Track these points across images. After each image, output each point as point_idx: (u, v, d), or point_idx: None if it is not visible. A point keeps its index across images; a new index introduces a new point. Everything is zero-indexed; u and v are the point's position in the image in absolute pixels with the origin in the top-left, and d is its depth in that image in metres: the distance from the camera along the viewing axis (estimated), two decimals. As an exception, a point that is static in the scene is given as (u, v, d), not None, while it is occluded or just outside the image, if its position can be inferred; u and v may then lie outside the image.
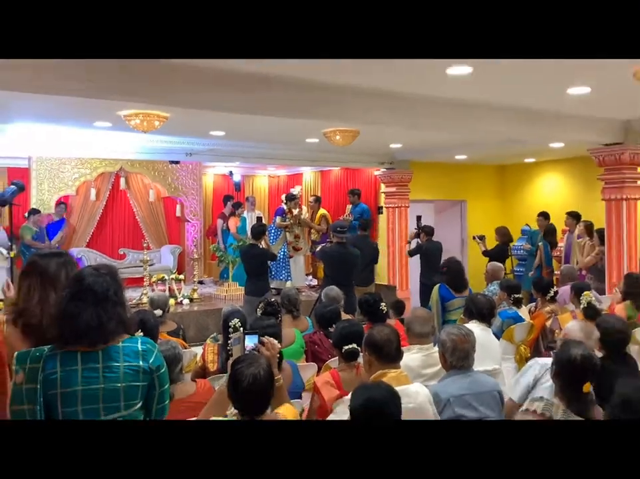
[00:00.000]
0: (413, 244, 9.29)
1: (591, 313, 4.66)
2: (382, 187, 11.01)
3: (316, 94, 5.49)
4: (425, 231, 8.80)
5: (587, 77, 5.32)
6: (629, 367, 3.39)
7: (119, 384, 2.08)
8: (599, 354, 3.46)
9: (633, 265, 7.69)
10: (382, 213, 11.11)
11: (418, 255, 8.87)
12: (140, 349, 2.15)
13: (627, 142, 7.62)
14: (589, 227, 8.66)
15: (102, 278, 2.14)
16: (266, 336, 3.18)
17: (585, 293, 4.96)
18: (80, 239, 10.93)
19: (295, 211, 10.49)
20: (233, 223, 10.70)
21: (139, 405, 2.14)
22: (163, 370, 2.20)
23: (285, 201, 10.66)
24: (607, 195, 7.94)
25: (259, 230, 7.90)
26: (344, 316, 5.17)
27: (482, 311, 4.44)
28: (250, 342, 3.19)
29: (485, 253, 9.26)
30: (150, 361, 2.15)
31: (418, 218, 9.11)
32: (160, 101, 5.01)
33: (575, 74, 5.20)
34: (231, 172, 12.14)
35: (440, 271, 6.54)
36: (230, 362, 2.70)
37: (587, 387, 2.65)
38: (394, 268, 10.72)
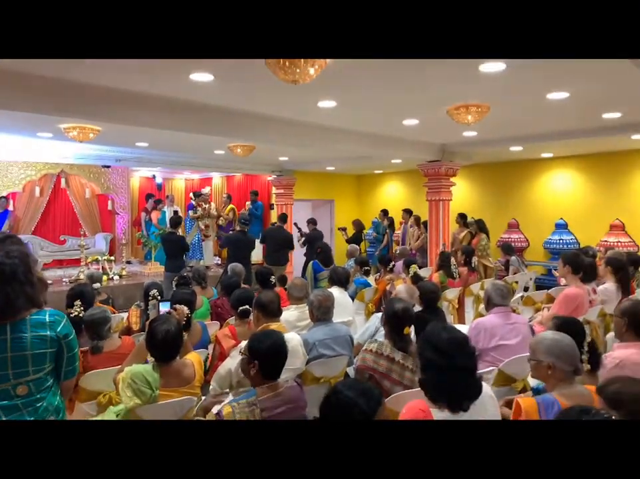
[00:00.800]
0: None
1: (415, 279, 4.92)
2: (274, 189, 10.92)
3: (223, 117, 5.36)
4: (311, 222, 8.79)
5: (415, 113, 5.55)
6: (438, 317, 3.58)
7: (27, 352, 1.88)
8: (419, 308, 3.66)
9: (447, 247, 8.19)
10: (273, 208, 11.02)
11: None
12: (47, 320, 1.94)
13: (443, 159, 8.02)
14: (417, 219, 9.13)
15: (10, 260, 1.89)
16: (177, 304, 3.11)
17: (412, 265, 5.22)
18: (27, 227, 10.00)
19: (206, 206, 10.23)
20: (154, 215, 10.30)
21: (48, 369, 1.95)
22: (71, 337, 2.00)
23: (193, 198, 10.39)
24: (429, 197, 8.38)
25: (177, 221, 7.64)
26: (243, 286, 5.08)
27: (341, 279, 4.55)
28: (164, 307, 3.14)
29: (347, 240, 9.47)
30: (58, 330, 1.95)
31: (295, 224, 8.80)
32: (92, 118, 4.70)
33: (406, 110, 5.41)
34: (154, 175, 11.64)
35: (316, 252, 6.65)
36: (148, 322, 2.63)
37: (407, 330, 2.74)
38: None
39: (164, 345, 2.44)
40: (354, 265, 6.18)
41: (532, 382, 2.80)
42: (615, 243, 7.73)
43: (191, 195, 10.70)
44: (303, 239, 8.58)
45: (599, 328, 4.06)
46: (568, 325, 2.45)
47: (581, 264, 4.12)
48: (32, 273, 1.97)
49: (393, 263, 6.16)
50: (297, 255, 9.52)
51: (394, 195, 11.78)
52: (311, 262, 6.25)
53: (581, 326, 2.53)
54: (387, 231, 9.54)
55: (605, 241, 7.96)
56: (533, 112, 5.30)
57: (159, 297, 3.66)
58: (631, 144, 7.17)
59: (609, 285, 4.42)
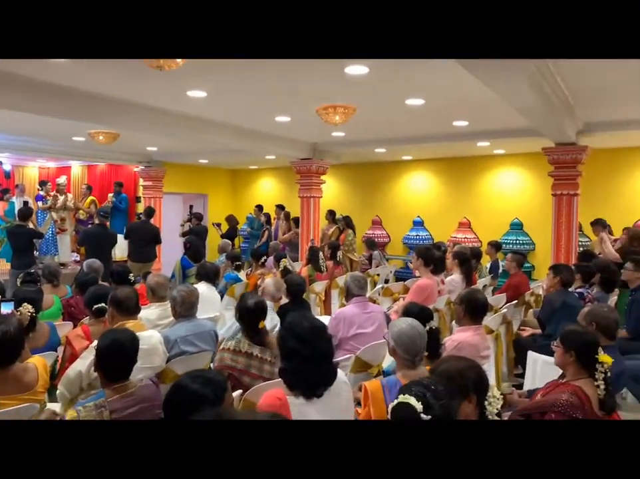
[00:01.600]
0: (186, 227, 8.96)
1: (285, 273, 5.01)
2: (141, 181, 10.37)
3: (85, 101, 4.92)
4: (196, 217, 8.63)
5: (287, 110, 5.59)
6: (303, 308, 3.68)
7: None
8: (286, 299, 3.72)
9: (316, 242, 8.42)
10: (140, 201, 10.47)
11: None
12: None
13: (314, 157, 8.27)
14: (286, 215, 9.30)
15: None
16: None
17: (283, 260, 5.31)
18: None
19: (60, 197, 9.33)
20: (1, 207, 9.13)
21: None
22: None
23: (40, 188, 9.56)
24: (301, 194, 8.56)
25: (26, 213, 6.90)
26: (102, 284, 4.75)
27: (209, 274, 4.48)
28: (5, 308, 2.84)
29: (222, 235, 9.34)
30: None
31: (191, 207, 8.82)
32: None
33: (277, 107, 5.43)
34: (0, 162, 10.31)
35: (185, 247, 6.45)
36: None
37: (262, 324, 2.72)
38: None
39: (2, 346, 2.20)
40: (226, 261, 6.11)
41: (385, 364, 3.00)
42: (462, 239, 8.39)
43: (37, 185, 9.89)
44: (185, 230, 8.35)
45: (446, 315, 4.50)
46: (418, 312, 2.66)
47: (432, 257, 4.50)
48: None
49: (265, 257, 6.20)
50: (165, 247, 9.14)
51: (268, 191, 11.87)
52: (180, 258, 6.04)
53: (429, 313, 2.75)
54: (267, 227, 9.59)
55: (454, 237, 8.63)
56: (394, 115, 5.67)
57: (-1, 297, 3.28)
58: (476, 150, 8.01)
59: (455, 276, 4.93)
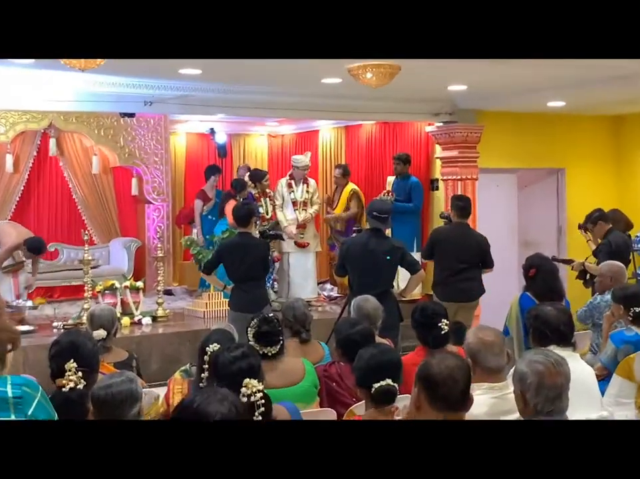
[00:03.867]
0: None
1: None
2: (437, 151, 11.01)
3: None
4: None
5: None
6: None
7: None
8: None
9: None
10: (436, 188, 11.13)
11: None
12: (9, 396, 2.07)
13: None
14: None
15: None
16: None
17: None
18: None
19: (284, 191, 10.60)
20: (230, 207, 10.57)
21: None
22: None
23: (250, 181, 10.75)
24: None
25: (249, 212, 7.99)
26: (380, 340, 5.24)
27: (559, 328, 4.53)
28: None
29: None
30: (29, 413, 2.08)
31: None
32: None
33: None
34: (212, 130, 12.24)
35: (526, 274, 6.54)
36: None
37: None
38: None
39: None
40: (612, 304, 5.97)
41: None
42: None
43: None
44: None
45: None
46: None
47: None
48: None
49: None
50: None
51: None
52: (517, 296, 6.33)
53: None
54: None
55: None
56: None
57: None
58: None
59: None
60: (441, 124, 10.72)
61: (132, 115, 10.59)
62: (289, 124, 13.35)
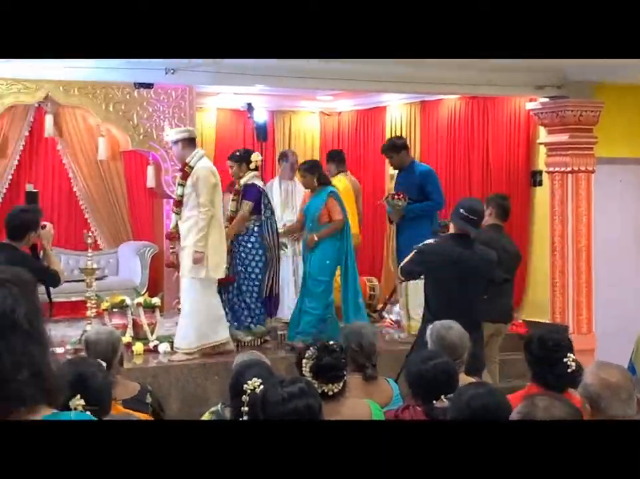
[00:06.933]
0: None
1: None
2: (542, 135, 10.99)
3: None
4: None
5: None
6: None
7: None
8: None
9: None
10: (539, 184, 11.14)
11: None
12: None
13: None
14: None
15: (2, 289, 2.07)
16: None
17: None
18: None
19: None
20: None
21: None
22: None
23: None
24: None
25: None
26: (465, 379, 5.28)
27: None
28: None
29: None
30: None
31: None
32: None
33: None
34: (249, 106, 12.22)
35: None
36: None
37: None
38: (567, 292, 10.61)
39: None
40: None
41: None
42: None
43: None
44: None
45: None
46: None
47: None
48: (42, 319, 2.18)
49: None
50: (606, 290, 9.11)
51: None
52: None
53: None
54: None
55: None
56: None
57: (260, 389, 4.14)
58: None
59: None
60: (546, 99, 10.68)
61: (149, 86, 10.60)
62: (347, 99, 13.38)
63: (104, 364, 5.02)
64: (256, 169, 10.00)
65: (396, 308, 11.46)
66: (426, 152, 12.05)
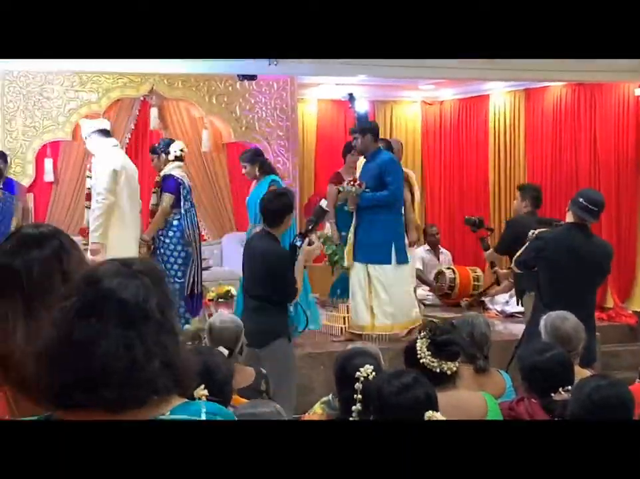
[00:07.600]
0: None
1: None
2: None
3: None
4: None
5: None
6: None
7: None
8: None
9: None
10: None
11: None
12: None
13: None
14: None
15: (135, 280, 2.07)
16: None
17: None
18: (77, 221, 11.09)
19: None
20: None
21: None
22: None
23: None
24: None
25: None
26: (580, 371, 5.18)
27: None
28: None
29: None
30: None
31: None
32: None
33: None
34: (351, 96, 12.11)
35: None
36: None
37: None
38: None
39: None
40: None
41: None
42: None
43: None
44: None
45: None
46: None
47: None
48: (173, 308, 2.25)
49: None
50: None
51: None
52: None
53: None
54: None
55: None
56: None
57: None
58: None
59: None
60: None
61: (253, 77, 10.66)
62: (449, 88, 13.30)
63: (227, 352, 5.20)
64: (178, 159, 9.77)
65: (500, 298, 11.43)
66: (531, 141, 11.97)
